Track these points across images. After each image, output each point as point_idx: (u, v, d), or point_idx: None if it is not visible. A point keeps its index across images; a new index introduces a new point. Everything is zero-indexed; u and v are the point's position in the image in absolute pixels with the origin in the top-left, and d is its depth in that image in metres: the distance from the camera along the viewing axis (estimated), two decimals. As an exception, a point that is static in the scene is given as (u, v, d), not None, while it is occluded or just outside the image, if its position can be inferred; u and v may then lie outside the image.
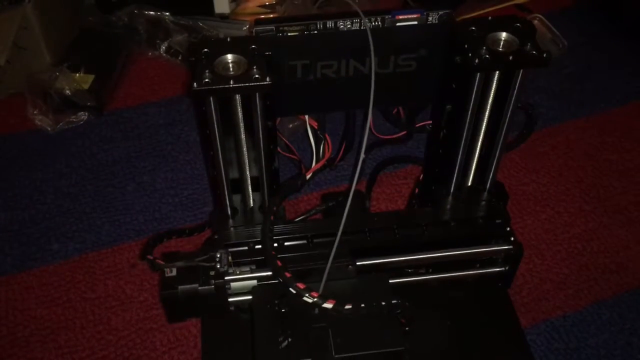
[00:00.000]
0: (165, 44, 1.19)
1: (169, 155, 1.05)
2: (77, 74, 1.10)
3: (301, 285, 0.66)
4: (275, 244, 0.74)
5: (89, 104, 1.09)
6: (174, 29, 1.19)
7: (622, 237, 0.94)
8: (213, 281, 0.70)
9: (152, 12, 1.19)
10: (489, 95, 0.71)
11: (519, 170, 1.03)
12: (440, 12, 0.69)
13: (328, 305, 0.66)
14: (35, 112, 1.08)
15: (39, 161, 1.03)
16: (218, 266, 0.71)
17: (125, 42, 1.20)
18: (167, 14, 1.19)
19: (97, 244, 0.92)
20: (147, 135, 1.08)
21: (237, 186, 0.77)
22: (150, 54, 1.21)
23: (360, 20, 0.67)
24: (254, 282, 0.72)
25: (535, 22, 1.23)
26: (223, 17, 1.24)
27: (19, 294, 0.87)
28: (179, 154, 1.05)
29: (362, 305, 0.67)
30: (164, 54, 1.20)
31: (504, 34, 0.68)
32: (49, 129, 1.08)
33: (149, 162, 1.03)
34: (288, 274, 0.67)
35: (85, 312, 0.85)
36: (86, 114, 1.09)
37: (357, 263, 0.73)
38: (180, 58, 1.19)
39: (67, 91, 1.07)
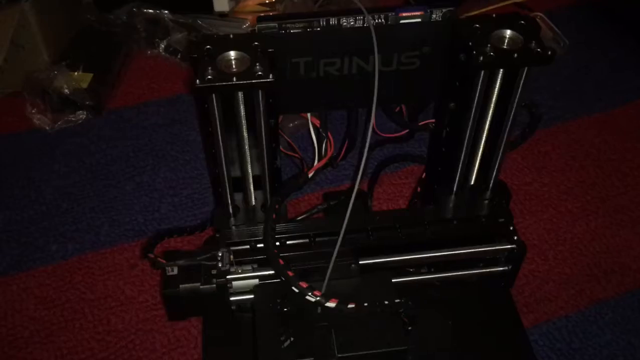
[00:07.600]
0: (164, 42, 1.19)
1: (168, 154, 1.04)
2: (76, 73, 1.10)
3: (304, 284, 0.66)
4: (278, 243, 0.73)
5: (87, 103, 1.08)
6: (173, 28, 1.18)
7: (625, 237, 0.94)
8: (215, 280, 0.70)
9: (151, 11, 1.19)
10: (493, 94, 0.71)
11: (520, 170, 1.02)
12: (444, 10, 0.68)
13: (331, 304, 0.65)
14: (33, 111, 1.07)
15: (37, 161, 1.03)
16: (220, 265, 0.70)
17: (124, 41, 1.19)
18: (166, 12, 1.19)
19: (96, 244, 0.92)
20: (146, 135, 1.07)
21: (239, 184, 0.77)
22: (149, 52, 1.20)
23: (364, 17, 0.67)
24: (256, 281, 0.72)
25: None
26: (222, 15, 1.24)
27: (18, 295, 0.86)
28: (179, 154, 1.04)
29: (365, 304, 0.66)
30: (163, 53, 1.19)
31: (508, 32, 0.67)
32: (48, 128, 1.07)
33: (148, 162, 1.03)
34: (290, 273, 0.67)
35: (85, 313, 0.84)
36: (85, 113, 1.09)
37: (360, 262, 0.73)
38: (179, 56, 1.19)
39: (66, 90, 1.06)
